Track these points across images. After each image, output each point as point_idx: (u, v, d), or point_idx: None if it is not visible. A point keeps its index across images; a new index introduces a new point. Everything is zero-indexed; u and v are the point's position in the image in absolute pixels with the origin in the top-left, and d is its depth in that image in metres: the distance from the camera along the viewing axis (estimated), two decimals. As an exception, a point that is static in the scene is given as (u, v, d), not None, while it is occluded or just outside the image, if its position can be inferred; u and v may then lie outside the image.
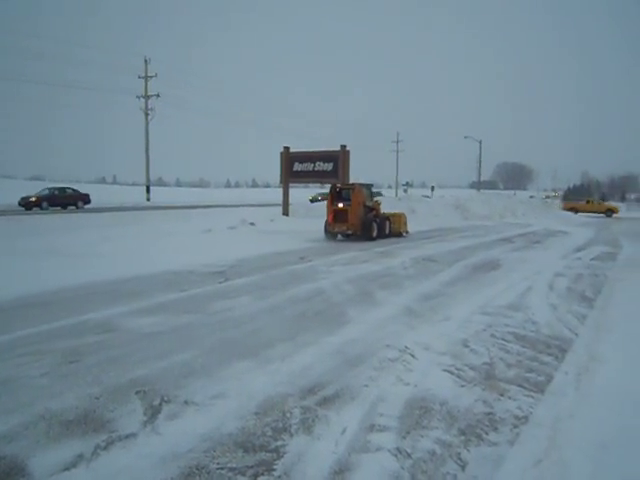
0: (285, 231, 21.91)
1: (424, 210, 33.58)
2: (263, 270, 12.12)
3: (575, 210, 48.74)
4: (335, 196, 20.44)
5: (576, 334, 7.17)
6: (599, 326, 7.58)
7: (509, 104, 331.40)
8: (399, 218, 22.82)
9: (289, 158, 27.54)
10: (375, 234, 20.45)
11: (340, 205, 20.09)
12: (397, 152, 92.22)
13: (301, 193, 58.88)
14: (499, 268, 13.13)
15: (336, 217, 20.09)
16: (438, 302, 8.97)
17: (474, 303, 8.89)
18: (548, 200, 60.21)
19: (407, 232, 23.36)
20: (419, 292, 9.79)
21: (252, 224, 23.60)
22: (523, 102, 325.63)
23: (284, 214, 28.72)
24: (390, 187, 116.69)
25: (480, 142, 63.28)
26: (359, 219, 19.97)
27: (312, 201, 53.18)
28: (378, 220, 20.87)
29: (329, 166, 26.23)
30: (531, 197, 57.70)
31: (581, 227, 31.70)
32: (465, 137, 61.83)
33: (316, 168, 26.65)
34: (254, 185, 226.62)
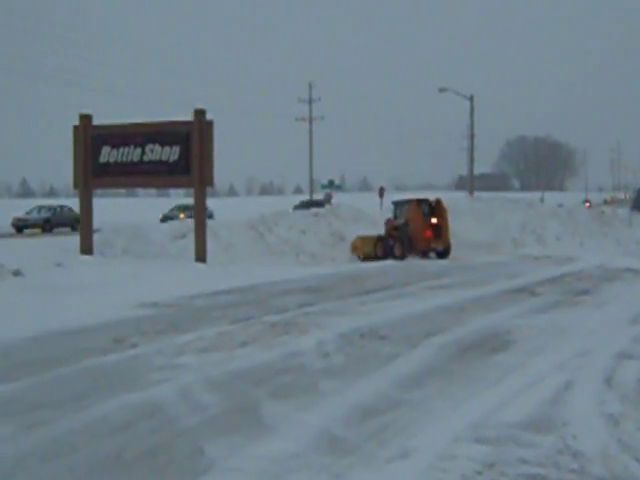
0: (85, 286, 21.62)
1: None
2: (38, 368, 11.91)
3: None
4: (419, 211, 35.75)
5: (658, 473, 7.34)
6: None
7: (529, 46, 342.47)
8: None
9: (91, 138, 27.32)
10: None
11: (434, 220, 35.60)
12: (310, 121, 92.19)
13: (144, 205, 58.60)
14: (509, 348, 13.37)
15: (434, 233, 35.36)
16: (388, 421, 8.99)
17: (460, 420, 8.97)
18: (605, 210, 62.02)
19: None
20: (352, 402, 9.80)
21: (17, 273, 23.20)
22: (555, 42, 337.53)
23: (84, 251, 28.35)
24: (301, 191, 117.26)
25: (471, 99, 64.99)
26: (448, 235, 35.80)
27: (164, 220, 54.33)
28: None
29: (173, 153, 26.25)
30: (560, 205, 59.90)
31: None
32: (441, 90, 63.31)
33: (146, 157, 26.67)
34: (25, 193, 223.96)
